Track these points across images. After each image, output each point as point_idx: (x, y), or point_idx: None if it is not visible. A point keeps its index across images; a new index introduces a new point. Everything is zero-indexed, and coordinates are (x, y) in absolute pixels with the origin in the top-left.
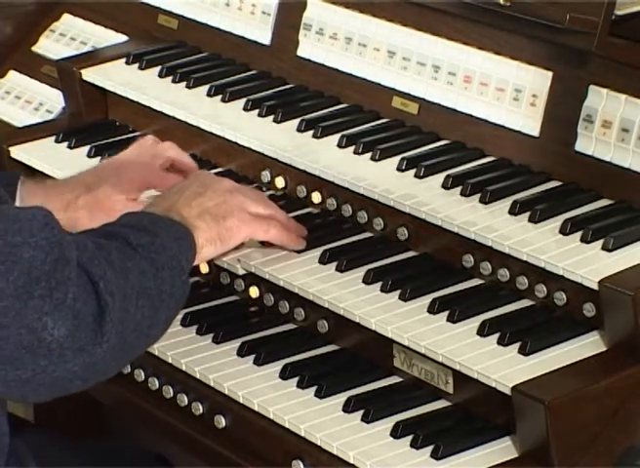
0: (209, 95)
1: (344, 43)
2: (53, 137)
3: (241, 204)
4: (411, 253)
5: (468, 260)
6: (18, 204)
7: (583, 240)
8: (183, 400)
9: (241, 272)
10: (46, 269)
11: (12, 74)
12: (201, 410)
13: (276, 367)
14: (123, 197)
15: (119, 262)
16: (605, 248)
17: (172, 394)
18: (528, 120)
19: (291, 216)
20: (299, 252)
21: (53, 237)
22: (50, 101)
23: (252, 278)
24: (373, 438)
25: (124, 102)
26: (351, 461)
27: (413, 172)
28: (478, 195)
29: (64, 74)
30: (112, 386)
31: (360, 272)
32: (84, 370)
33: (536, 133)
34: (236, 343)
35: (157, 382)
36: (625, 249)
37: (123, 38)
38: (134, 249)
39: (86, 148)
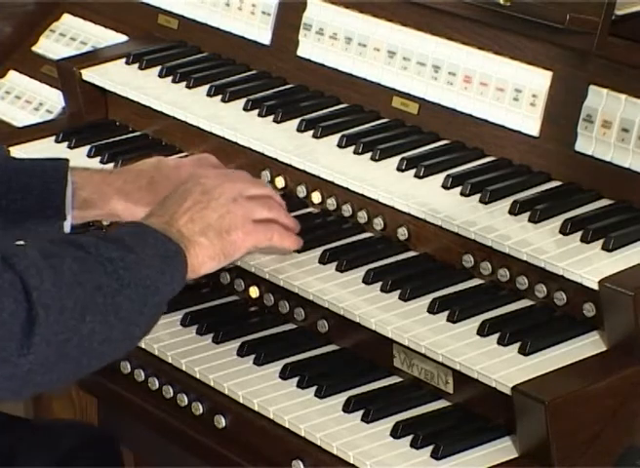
0: (209, 95)
1: (344, 43)
2: (53, 137)
3: (246, 213)
4: (411, 253)
5: (468, 260)
6: (70, 189)
7: (583, 240)
8: (183, 400)
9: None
10: None
11: (12, 74)
12: (201, 410)
13: (276, 367)
14: None
15: (69, 273)
16: (605, 248)
17: (172, 394)
18: (528, 120)
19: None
20: (299, 251)
21: None
22: (50, 101)
23: (252, 278)
24: (373, 438)
25: (124, 102)
26: (351, 461)
27: (413, 172)
28: (478, 195)
29: (64, 74)
30: (112, 385)
31: (360, 272)
32: (10, 382)
33: (535, 133)
34: (236, 343)
35: (157, 382)
36: (625, 249)
37: (123, 38)
38: (99, 262)
39: (86, 148)
